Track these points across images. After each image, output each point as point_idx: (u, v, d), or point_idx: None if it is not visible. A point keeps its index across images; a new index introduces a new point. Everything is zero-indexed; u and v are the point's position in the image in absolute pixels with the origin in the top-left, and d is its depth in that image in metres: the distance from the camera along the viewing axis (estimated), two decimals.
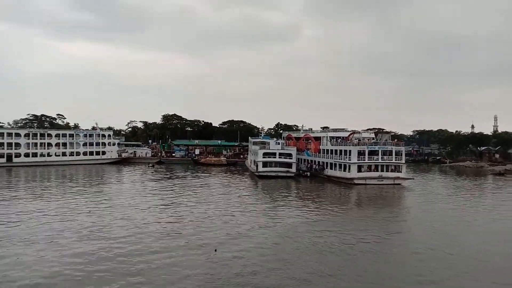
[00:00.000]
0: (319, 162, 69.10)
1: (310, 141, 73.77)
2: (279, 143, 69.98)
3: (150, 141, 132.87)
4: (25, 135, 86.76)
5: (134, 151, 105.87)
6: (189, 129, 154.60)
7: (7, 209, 36.39)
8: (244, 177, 69.61)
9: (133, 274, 20.40)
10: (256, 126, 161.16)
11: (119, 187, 54.05)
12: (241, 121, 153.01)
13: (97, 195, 46.04)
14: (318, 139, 71.48)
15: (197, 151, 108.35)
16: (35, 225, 30.16)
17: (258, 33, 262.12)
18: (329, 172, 65.15)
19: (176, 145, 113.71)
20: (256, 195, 49.87)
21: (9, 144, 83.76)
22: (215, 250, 23.67)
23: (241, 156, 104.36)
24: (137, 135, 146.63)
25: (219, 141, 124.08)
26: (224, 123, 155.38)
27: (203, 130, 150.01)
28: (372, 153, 60.23)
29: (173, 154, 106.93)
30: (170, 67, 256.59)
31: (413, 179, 64.05)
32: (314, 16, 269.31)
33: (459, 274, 21.77)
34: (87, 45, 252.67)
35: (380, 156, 59.81)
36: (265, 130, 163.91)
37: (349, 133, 67.11)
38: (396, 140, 68.23)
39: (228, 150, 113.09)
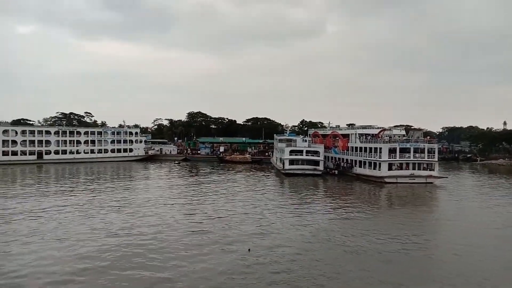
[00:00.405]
0: (347, 160, 67.57)
1: (337, 138, 72.24)
2: (306, 141, 68.80)
3: (175, 138, 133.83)
4: (55, 133, 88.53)
5: (160, 149, 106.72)
6: (213, 126, 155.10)
7: (39, 205, 36.81)
8: (270, 175, 68.84)
9: (166, 272, 20.00)
10: (280, 123, 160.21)
11: (147, 184, 54.13)
12: (265, 118, 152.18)
13: (125, 192, 46.22)
14: (346, 136, 69.88)
15: (221, 149, 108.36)
16: (66, 222, 30.25)
17: (281, 30, 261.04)
18: (358, 170, 63.55)
19: (201, 142, 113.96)
20: (283, 193, 48.99)
21: (40, 142, 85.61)
22: (249, 250, 23.00)
23: (266, 154, 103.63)
24: (162, 132, 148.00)
25: (244, 139, 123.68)
26: (248, 120, 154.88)
27: (227, 127, 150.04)
28: (403, 150, 58.33)
29: (199, 152, 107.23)
30: (193, 65, 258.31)
31: (447, 177, 61.74)
32: (337, 12, 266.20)
33: (501, 275, 20.55)
34: (112, 44, 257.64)
35: (412, 153, 57.86)
36: (289, 127, 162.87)
37: (379, 130, 65.25)
38: (428, 137, 65.87)
39: (253, 147, 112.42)
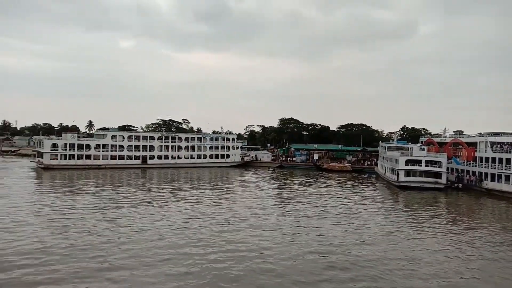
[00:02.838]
0: (474, 172, 58.27)
1: (460, 147, 63.01)
2: (423, 149, 60.71)
3: (268, 145, 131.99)
4: (158, 138, 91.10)
5: (256, 155, 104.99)
6: (305, 133, 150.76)
7: (148, 215, 35.50)
8: (378, 187, 62.31)
9: None
10: (377, 130, 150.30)
11: (250, 193, 51.09)
12: (361, 124, 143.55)
13: (231, 200, 43.61)
14: (471, 144, 60.40)
15: (315, 156, 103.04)
16: (172, 230, 27.93)
17: (369, 32, 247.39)
18: (490, 184, 54.19)
19: (296, 149, 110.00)
20: (409, 211, 42.34)
21: (144, 147, 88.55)
22: None
23: (366, 162, 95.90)
24: (255, 138, 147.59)
25: (339, 146, 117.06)
26: (342, 126, 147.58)
27: (320, 133, 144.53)
28: None
29: (294, 159, 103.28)
30: (282, 72, 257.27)
31: None
32: (430, 12, 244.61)
33: None
34: (204, 54, 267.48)
35: None
36: (385, 134, 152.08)
37: None
38: None
39: (352, 155, 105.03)
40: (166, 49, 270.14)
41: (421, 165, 57.18)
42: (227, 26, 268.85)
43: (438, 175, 56.79)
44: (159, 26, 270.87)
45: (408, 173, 57.54)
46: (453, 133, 77.64)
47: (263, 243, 26.47)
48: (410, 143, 76.91)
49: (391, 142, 79.96)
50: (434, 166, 57.22)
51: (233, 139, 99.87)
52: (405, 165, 57.61)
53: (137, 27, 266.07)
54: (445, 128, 74.94)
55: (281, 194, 51.60)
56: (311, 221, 34.26)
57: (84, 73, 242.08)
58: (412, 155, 59.08)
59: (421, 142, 75.80)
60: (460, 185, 58.72)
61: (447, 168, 63.04)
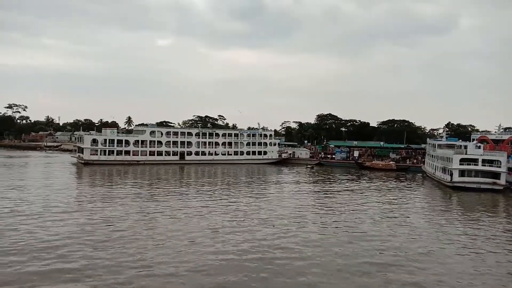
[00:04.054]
0: None
1: None
2: (480, 147, 55.97)
3: (305, 141, 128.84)
4: (196, 134, 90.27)
5: (293, 152, 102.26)
6: (343, 129, 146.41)
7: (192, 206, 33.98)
8: (427, 187, 58.27)
9: None
10: (419, 126, 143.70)
11: (291, 192, 48.66)
12: (404, 121, 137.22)
13: (271, 201, 41.43)
14: None
15: (355, 153, 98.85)
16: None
17: (409, 27, 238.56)
18: None
19: (336, 146, 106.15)
20: (465, 214, 38.65)
21: (182, 143, 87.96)
22: None
23: (412, 160, 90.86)
24: (291, 135, 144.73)
25: (381, 143, 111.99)
26: (383, 122, 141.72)
27: (359, 130, 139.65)
28: None
29: (333, 156, 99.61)
30: (319, 68, 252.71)
31: None
32: (473, 4, 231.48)
33: None
34: (240, 52, 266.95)
35: None
36: (427, 131, 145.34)
37: None
38: None
39: (395, 153, 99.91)
40: (203, 47, 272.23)
41: (477, 164, 52.73)
42: (264, 23, 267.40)
43: (496, 175, 52.18)
44: (196, 25, 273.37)
45: (462, 173, 53.23)
46: (503, 130, 71.98)
47: (312, 247, 24.29)
48: (460, 140, 71.96)
49: (439, 139, 75.07)
50: (492, 166, 52.61)
51: (270, 135, 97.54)
52: (460, 164, 53.28)
53: (174, 26, 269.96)
54: (499, 125, 69.50)
55: (324, 194, 48.90)
56: (362, 224, 31.62)
57: (123, 71, 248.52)
58: (467, 154, 54.61)
59: (473, 139, 70.59)
60: None
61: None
